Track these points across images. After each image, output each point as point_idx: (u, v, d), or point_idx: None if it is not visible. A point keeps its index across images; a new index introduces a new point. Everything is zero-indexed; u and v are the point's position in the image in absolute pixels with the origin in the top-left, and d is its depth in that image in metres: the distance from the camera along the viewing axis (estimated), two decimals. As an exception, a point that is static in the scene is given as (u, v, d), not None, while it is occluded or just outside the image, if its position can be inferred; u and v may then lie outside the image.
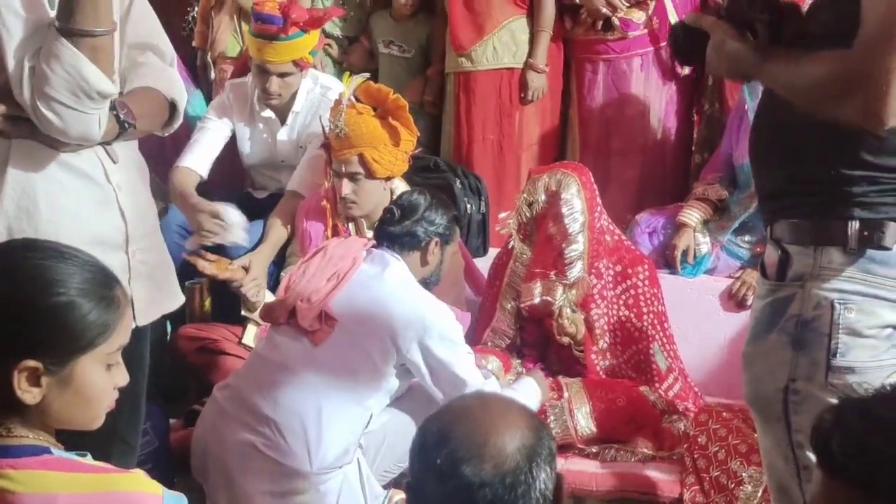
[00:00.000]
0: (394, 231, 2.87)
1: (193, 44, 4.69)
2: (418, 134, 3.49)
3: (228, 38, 4.47)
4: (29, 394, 1.41)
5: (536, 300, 3.20)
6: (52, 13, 1.93)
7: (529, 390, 2.85)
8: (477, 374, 2.74)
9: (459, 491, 1.38)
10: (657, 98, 4.15)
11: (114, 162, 2.11)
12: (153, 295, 2.20)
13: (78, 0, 1.85)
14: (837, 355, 1.78)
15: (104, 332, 1.46)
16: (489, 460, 1.38)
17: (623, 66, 4.12)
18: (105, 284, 1.49)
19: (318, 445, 2.63)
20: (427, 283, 2.92)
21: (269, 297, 3.24)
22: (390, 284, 2.75)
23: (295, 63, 3.65)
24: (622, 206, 4.12)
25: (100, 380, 1.48)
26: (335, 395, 2.66)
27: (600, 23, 4.05)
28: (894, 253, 1.78)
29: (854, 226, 1.76)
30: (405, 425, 2.82)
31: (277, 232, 3.62)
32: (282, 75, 3.66)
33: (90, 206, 2.06)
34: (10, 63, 1.88)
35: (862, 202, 1.76)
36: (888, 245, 1.76)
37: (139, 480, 1.47)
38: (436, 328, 2.69)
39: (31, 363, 1.40)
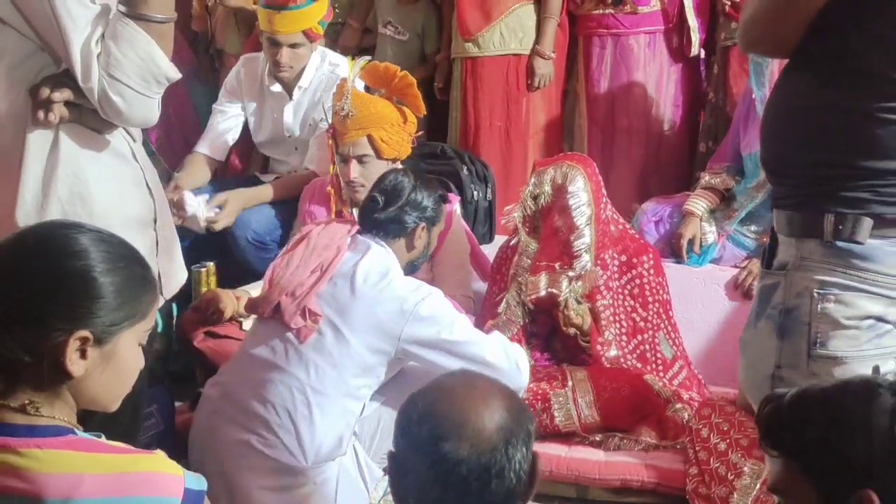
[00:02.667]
0: (379, 218, 2.81)
1: (193, 26, 4.67)
2: (425, 112, 3.49)
3: (228, 34, 4.47)
4: (77, 366, 1.45)
5: (542, 293, 3.18)
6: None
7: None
8: (478, 334, 2.75)
9: (437, 466, 1.45)
10: (663, 78, 4.16)
11: (134, 140, 2.13)
12: (170, 269, 2.23)
13: None
14: (817, 344, 1.80)
15: (145, 309, 1.54)
16: (467, 439, 1.45)
17: (631, 43, 4.12)
18: (143, 265, 1.57)
19: (311, 440, 2.63)
20: (414, 265, 2.90)
21: (256, 290, 3.23)
22: (369, 276, 2.67)
23: (305, 34, 3.65)
24: (627, 186, 4.14)
25: (134, 357, 1.55)
26: (324, 391, 2.64)
27: None
28: (875, 247, 1.79)
29: (830, 219, 1.78)
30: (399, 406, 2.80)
31: (265, 189, 3.71)
32: (292, 46, 3.66)
33: (128, 186, 2.08)
34: (75, 50, 1.87)
35: (840, 196, 1.78)
36: (860, 240, 1.77)
37: (161, 461, 1.49)
38: (418, 314, 2.64)
39: (85, 332, 1.44)
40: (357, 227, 2.86)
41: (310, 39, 3.69)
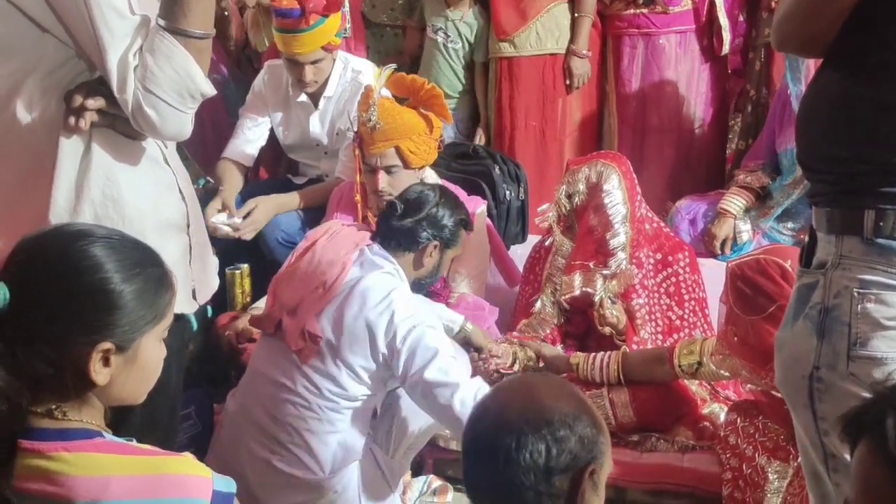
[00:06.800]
0: (393, 226, 2.77)
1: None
2: (451, 121, 3.49)
3: (258, 34, 4.49)
4: (101, 375, 1.47)
5: (577, 292, 3.17)
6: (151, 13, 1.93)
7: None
8: (457, 376, 2.53)
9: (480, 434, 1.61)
10: (694, 78, 4.14)
11: (167, 146, 2.14)
12: (203, 275, 2.23)
13: (190, 3, 1.86)
14: (857, 345, 1.76)
15: (164, 309, 1.55)
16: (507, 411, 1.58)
17: (662, 43, 4.12)
18: (157, 263, 1.57)
19: (324, 453, 2.62)
20: (421, 284, 2.86)
21: (261, 304, 3.20)
22: (368, 299, 2.59)
23: (323, 48, 3.66)
24: (659, 185, 4.13)
25: (157, 354, 1.56)
26: (331, 407, 2.62)
27: None
28: None
29: (870, 215, 1.74)
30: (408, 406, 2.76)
31: (294, 198, 3.74)
32: (314, 62, 3.68)
33: (161, 190, 2.08)
34: (112, 62, 1.87)
35: (879, 192, 1.74)
36: None
37: (189, 463, 1.50)
38: (400, 346, 2.54)
39: (106, 344, 1.46)
40: (367, 241, 2.78)
41: (329, 52, 3.70)
